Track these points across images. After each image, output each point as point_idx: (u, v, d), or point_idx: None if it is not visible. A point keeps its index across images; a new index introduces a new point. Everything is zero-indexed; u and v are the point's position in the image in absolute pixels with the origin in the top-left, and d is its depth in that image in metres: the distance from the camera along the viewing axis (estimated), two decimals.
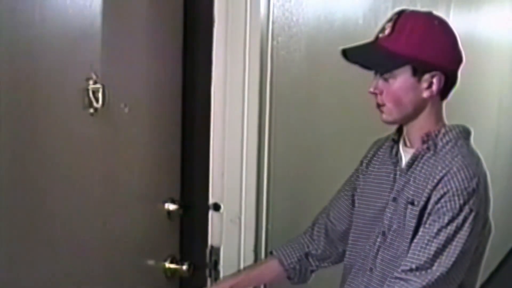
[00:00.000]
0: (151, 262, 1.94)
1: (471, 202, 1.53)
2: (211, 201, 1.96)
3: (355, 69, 1.64)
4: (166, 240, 2.00)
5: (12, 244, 1.39)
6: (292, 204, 2.25)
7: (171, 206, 1.96)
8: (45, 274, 1.50)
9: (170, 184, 1.98)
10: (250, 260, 2.00)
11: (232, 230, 1.99)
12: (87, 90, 1.55)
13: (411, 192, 1.61)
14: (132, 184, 1.81)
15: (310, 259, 1.85)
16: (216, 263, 1.99)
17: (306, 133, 2.31)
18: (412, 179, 1.62)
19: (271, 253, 1.89)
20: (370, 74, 1.64)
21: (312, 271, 1.87)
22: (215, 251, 2.00)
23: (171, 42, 1.92)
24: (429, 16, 1.62)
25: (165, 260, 1.97)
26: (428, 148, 1.62)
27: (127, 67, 1.73)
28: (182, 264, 1.99)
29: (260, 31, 1.91)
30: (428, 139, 1.62)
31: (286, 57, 2.09)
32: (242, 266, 1.99)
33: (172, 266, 1.98)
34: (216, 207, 1.97)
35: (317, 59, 2.30)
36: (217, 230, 1.99)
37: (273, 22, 1.97)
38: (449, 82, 1.61)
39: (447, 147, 1.60)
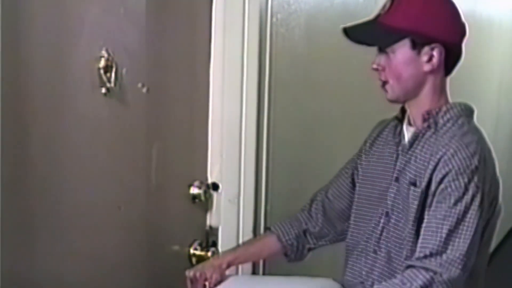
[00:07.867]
0: (172, 248, 1.88)
1: (475, 179, 1.50)
2: (209, 181, 1.94)
3: (355, 47, 1.62)
4: (191, 225, 1.94)
5: (22, 230, 1.36)
6: (291, 185, 2.24)
7: (196, 190, 1.90)
8: (55, 260, 1.45)
9: (194, 168, 1.92)
10: None
11: (230, 211, 1.97)
12: (98, 69, 1.48)
13: (412, 172, 1.58)
14: (150, 168, 1.74)
15: (308, 236, 1.83)
16: (214, 244, 1.97)
17: (305, 112, 2.29)
18: (413, 158, 1.60)
19: (269, 229, 1.87)
20: (369, 52, 1.62)
21: (309, 249, 1.85)
22: (214, 231, 1.98)
23: (192, 20, 1.86)
24: None
25: (189, 246, 1.92)
26: (429, 127, 1.59)
27: (145, 45, 1.65)
28: (208, 251, 1.94)
29: (259, 8, 1.88)
30: (428, 117, 1.59)
31: (285, 34, 2.07)
32: None
33: (197, 252, 1.92)
34: (215, 187, 1.95)
35: (317, 37, 2.28)
36: (216, 210, 1.97)
37: None
38: (451, 56, 1.59)
39: (448, 125, 1.58)
